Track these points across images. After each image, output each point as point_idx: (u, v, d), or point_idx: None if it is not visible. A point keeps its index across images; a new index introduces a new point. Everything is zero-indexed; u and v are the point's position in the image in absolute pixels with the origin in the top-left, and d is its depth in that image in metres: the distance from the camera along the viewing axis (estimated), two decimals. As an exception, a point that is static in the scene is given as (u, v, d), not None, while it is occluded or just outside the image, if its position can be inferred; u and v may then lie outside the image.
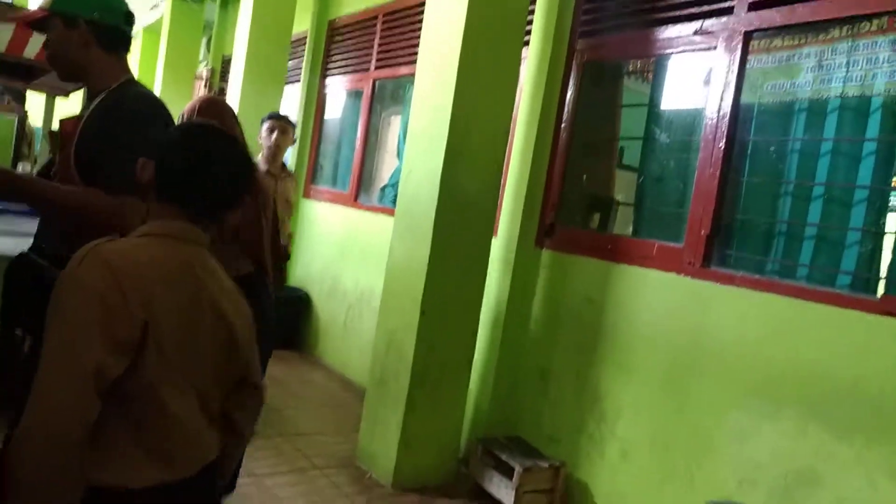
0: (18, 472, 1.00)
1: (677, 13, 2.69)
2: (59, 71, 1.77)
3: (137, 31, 8.27)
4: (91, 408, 1.02)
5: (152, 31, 8.09)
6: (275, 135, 3.36)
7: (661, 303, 2.60)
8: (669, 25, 2.72)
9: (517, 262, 3.14)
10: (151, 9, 7.57)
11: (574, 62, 3.11)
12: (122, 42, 1.76)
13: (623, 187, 3.17)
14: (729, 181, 2.48)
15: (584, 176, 3.13)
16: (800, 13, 2.29)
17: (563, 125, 3.12)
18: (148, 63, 7.89)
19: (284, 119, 3.44)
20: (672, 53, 2.76)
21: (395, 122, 4.58)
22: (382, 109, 4.69)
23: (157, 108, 1.69)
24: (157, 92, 7.06)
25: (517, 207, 3.16)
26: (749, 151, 2.50)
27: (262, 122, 3.44)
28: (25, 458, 0.99)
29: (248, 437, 1.43)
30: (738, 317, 2.33)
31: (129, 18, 1.78)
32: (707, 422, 2.38)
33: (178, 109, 7.41)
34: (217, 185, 1.20)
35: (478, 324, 2.94)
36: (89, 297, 1.03)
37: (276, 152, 3.44)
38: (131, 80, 1.75)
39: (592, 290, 2.86)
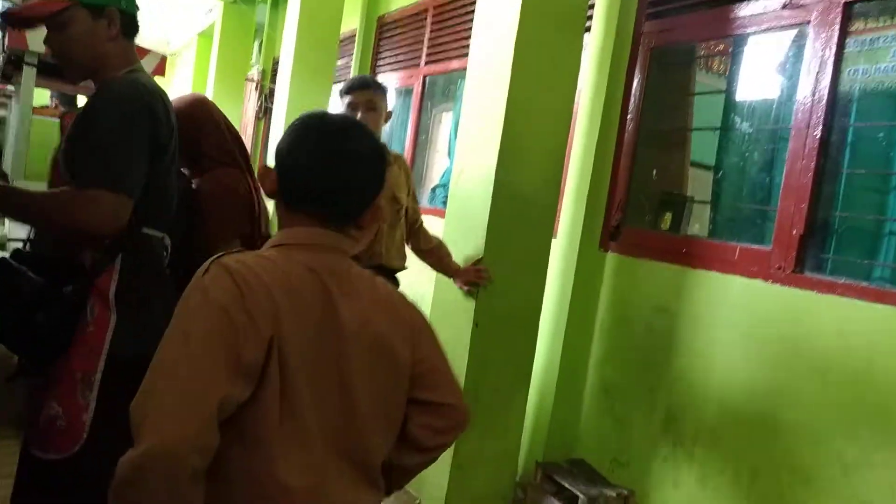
0: None
1: (761, -14, 2.38)
2: (76, 70, 1.56)
3: (192, 36, 8.32)
4: (213, 439, 0.89)
5: (206, 35, 8.12)
6: (359, 114, 2.39)
7: (745, 313, 2.29)
8: (751, 1, 2.42)
9: (579, 266, 2.87)
10: (206, 13, 7.57)
11: (640, 47, 2.83)
12: (137, 27, 1.59)
13: (698, 183, 2.86)
14: (826, 174, 2.16)
15: (654, 171, 2.85)
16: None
17: (629, 116, 2.85)
18: (201, 67, 7.92)
19: (370, 87, 2.43)
20: (754, 32, 2.46)
21: (447, 120, 4.37)
22: (433, 106, 4.49)
23: (145, 94, 1.48)
24: (209, 95, 7.05)
25: (579, 207, 2.90)
26: (849, 140, 2.18)
27: (341, 96, 2.48)
28: (140, 494, 0.86)
29: (435, 455, 1.19)
30: (840, 330, 2.01)
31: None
32: (805, 449, 2.07)
33: (232, 112, 7.38)
34: (343, 184, 1.06)
35: (536, 336, 2.69)
36: (215, 311, 0.93)
37: None
38: (138, 68, 1.57)
39: (665, 298, 2.58)
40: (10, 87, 3.81)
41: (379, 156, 1.11)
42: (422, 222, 2.68)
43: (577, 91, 2.73)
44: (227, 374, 0.90)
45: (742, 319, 2.30)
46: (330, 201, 1.06)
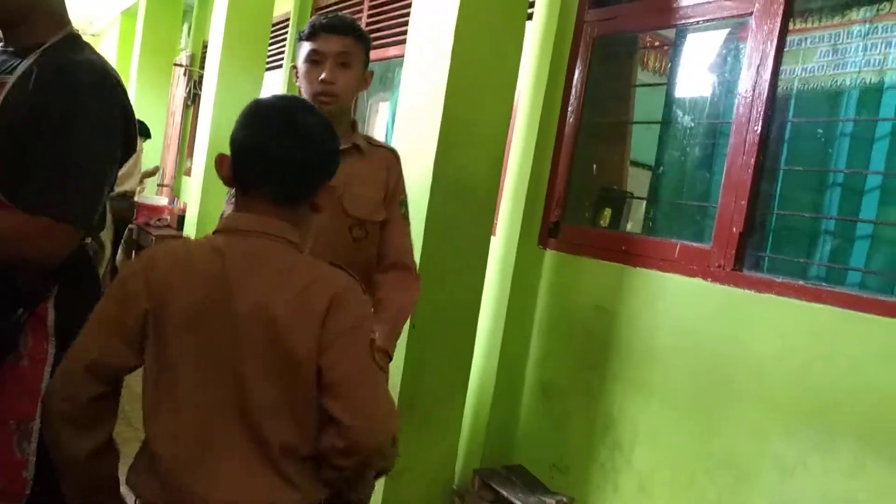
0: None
1: (704, -24, 2.32)
2: (3, 13, 1.25)
3: (115, 14, 7.88)
4: (77, 386, 1.03)
5: (130, 14, 7.68)
6: (324, 72, 1.64)
7: (684, 312, 2.24)
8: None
9: (518, 263, 2.78)
10: (129, -8, 7.17)
11: (583, 37, 2.75)
12: None
13: (638, 179, 2.81)
14: (766, 171, 2.12)
15: (594, 166, 2.78)
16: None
17: (570, 108, 2.76)
18: (125, 50, 7.49)
19: (346, 31, 1.67)
20: (697, 23, 2.41)
21: (384, 109, 4.22)
22: (370, 95, 4.32)
23: (118, 90, 1.25)
24: (132, 79, 6.68)
25: (518, 202, 2.81)
26: (787, 136, 2.15)
27: (299, 42, 1.73)
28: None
29: (349, 475, 1.06)
30: (779, 330, 1.98)
31: None
32: (742, 452, 2.03)
33: (157, 98, 7.04)
34: (294, 159, 1.07)
35: (475, 336, 2.59)
36: (116, 284, 1.07)
37: (324, 102, 1.66)
38: (75, 34, 1.30)
39: (604, 297, 2.51)
40: None
41: (330, 131, 1.12)
42: (406, 266, 1.84)
43: (518, 81, 2.63)
44: (103, 338, 1.04)
45: (681, 319, 2.25)
46: (281, 179, 1.07)
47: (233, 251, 1.05)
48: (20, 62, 1.21)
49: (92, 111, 1.18)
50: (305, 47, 1.69)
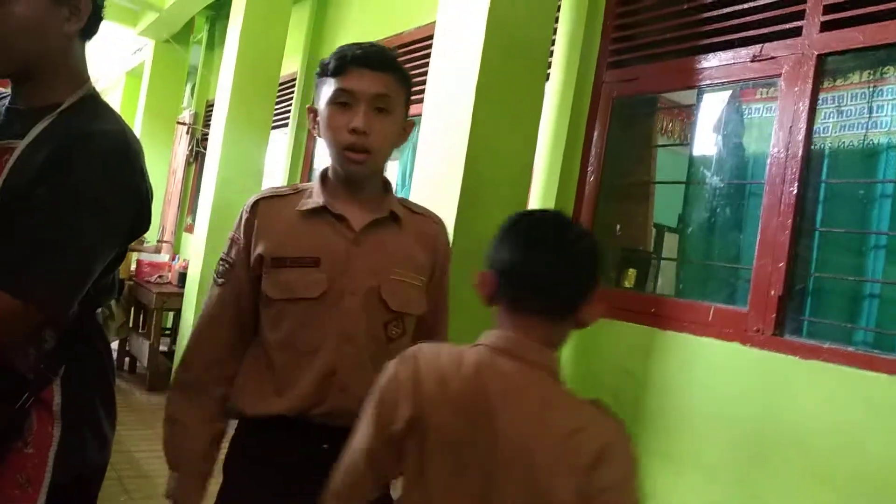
0: None
1: (729, 37, 2.31)
2: (5, 62, 1.13)
3: (120, 74, 7.94)
4: (359, 481, 1.06)
5: (134, 75, 7.75)
6: (356, 117, 1.28)
7: (721, 378, 2.14)
8: (719, 52, 2.34)
9: (539, 326, 2.68)
10: (134, 53, 7.23)
11: (601, 97, 2.73)
12: (97, 28, 1.23)
13: (663, 240, 2.74)
14: (802, 232, 2.06)
15: (617, 227, 2.71)
16: (889, 31, 1.91)
17: (590, 169, 2.72)
18: (129, 107, 7.53)
19: (386, 67, 1.31)
20: (721, 84, 2.38)
21: (392, 168, 4.18)
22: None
23: (138, 168, 1.15)
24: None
25: (538, 263, 2.72)
26: (822, 197, 2.09)
27: (321, 77, 1.34)
28: None
29: None
30: (828, 398, 1.87)
31: None
32: (792, 532, 1.90)
33: (160, 155, 7.04)
34: (556, 286, 1.05)
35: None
36: (384, 382, 1.07)
37: (355, 160, 1.32)
38: (94, 95, 1.19)
39: (631, 361, 2.40)
40: None
41: (592, 240, 1.12)
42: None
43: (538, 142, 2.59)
44: (374, 437, 1.04)
45: (717, 385, 2.14)
46: (551, 298, 1.06)
47: (495, 372, 1.01)
48: (32, 125, 1.10)
49: (95, 189, 1.07)
50: (331, 85, 1.29)
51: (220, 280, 1.33)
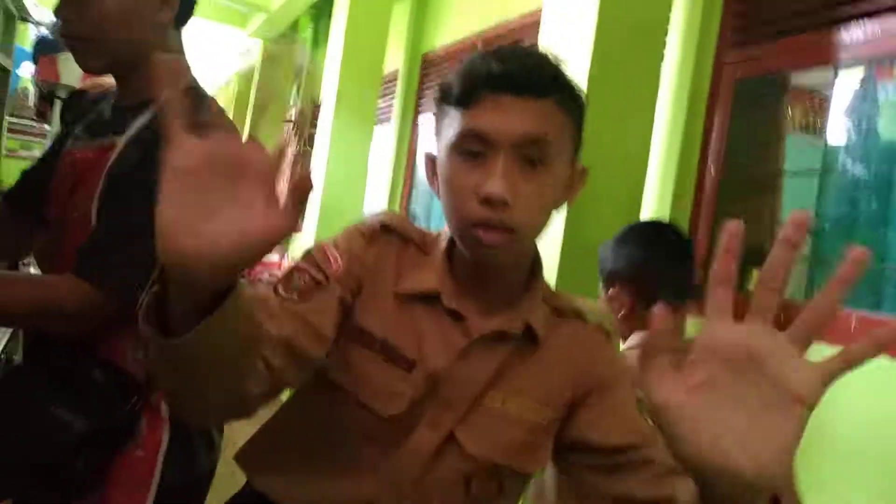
0: None
1: (870, 5, 2.04)
2: (99, 56, 1.11)
3: (230, 76, 8.29)
4: None
5: (244, 75, 8.07)
6: (493, 178, 0.78)
7: (867, 400, 1.90)
8: (860, 23, 2.08)
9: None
10: (243, 54, 7.52)
11: (722, 80, 2.50)
12: (190, 14, 1.18)
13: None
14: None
15: (742, 222, 2.49)
16: None
17: (709, 159, 2.51)
18: (240, 109, 7.85)
19: (529, 84, 0.79)
20: (861, 60, 2.11)
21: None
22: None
23: None
24: (244, 137, 6.93)
25: (653, 261, 2.55)
26: None
27: (440, 105, 0.85)
28: None
29: None
30: None
31: None
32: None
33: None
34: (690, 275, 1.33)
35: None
36: None
37: (490, 244, 0.81)
38: (194, 87, 1.15)
39: (760, 371, 2.19)
40: (48, 127, 3.58)
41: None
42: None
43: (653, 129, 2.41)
44: None
45: (863, 407, 1.90)
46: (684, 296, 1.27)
47: None
48: (133, 121, 1.09)
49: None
50: (454, 121, 0.81)
51: (289, 294, 0.81)
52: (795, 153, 2.54)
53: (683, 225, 2.53)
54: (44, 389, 1.06)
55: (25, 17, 1.84)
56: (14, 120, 3.99)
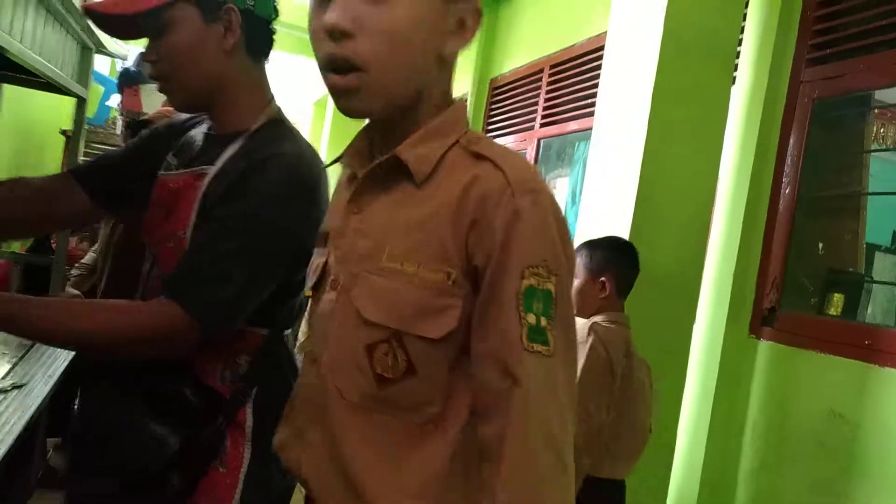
0: None
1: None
2: (181, 96, 1.15)
3: (308, 105, 8.56)
4: None
5: (320, 104, 8.31)
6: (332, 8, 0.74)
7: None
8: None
9: (725, 355, 2.41)
10: (319, 84, 7.75)
11: (799, 100, 2.41)
12: (270, 47, 1.19)
13: (877, 260, 2.36)
14: None
15: (819, 245, 2.38)
16: None
17: (785, 180, 2.41)
18: (315, 135, 8.08)
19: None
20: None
21: (562, 186, 4.05)
22: (547, 171, 4.19)
23: (299, 189, 1.08)
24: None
25: (724, 284, 2.46)
26: None
27: None
28: None
29: None
30: None
31: (276, 9, 1.18)
32: None
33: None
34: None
35: (675, 440, 2.24)
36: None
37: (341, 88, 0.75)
38: (278, 119, 1.16)
39: (842, 402, 2.06)
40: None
41: None
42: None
43: (723, 150, 2.34)
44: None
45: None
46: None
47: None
48: (223, 151, 1.12)
49: (260, 216, 1.06)
50: None
51: None
52: (879, 174, 2.42)
53: (757, 245, 2.43)
54: (141, 407, 1.08)
55: (101, 50, 1.96)
56: (105, 147, 4.25)
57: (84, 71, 1.92)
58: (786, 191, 2.40)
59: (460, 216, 0.73)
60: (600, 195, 2.32)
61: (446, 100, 0.82)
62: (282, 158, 1.08)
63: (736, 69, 2.47)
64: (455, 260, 0.73)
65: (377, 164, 0.79)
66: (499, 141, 4.66)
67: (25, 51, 1.38)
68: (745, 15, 2.46)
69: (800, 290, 2.38)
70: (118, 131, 3.65)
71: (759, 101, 2.46)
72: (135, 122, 3.12)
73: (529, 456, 0.69)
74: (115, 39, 2.18)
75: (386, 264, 0.76)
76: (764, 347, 2.37)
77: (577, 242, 2.38)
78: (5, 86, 2.18)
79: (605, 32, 2.49)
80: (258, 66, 1.18)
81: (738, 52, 2.44)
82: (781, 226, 2.39)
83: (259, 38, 1.15)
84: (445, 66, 0.80)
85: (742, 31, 2.46)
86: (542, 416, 0.70)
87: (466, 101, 5.07)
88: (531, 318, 0.69)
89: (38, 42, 1.46)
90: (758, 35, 2.50)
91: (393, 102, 0.77)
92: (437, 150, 0.77)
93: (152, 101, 3.10)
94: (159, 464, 1.05)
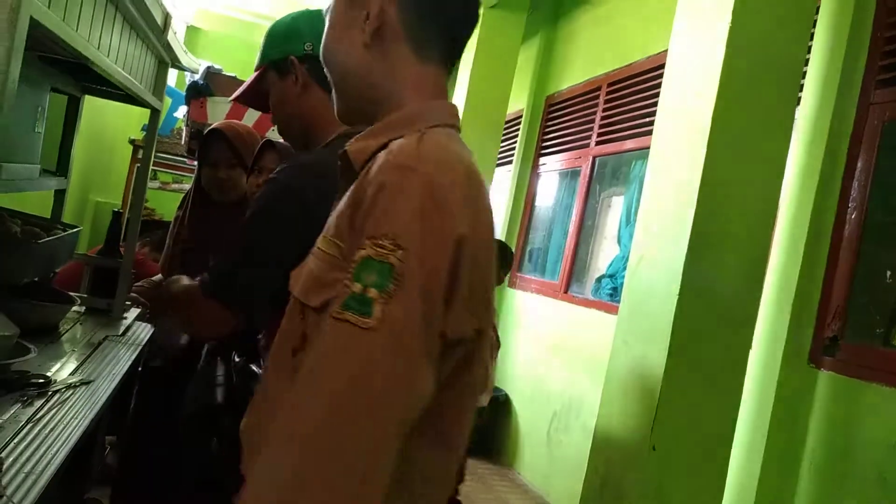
0: None
1: None
2: (288, 139, 1.44)
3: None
4: None
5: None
6: None
7: None
8: None
9: (782, 384, 2.34)
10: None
11: (868, 122, 2.34)
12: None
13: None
14: None
15: (887, 273, 2.29)
16: None
17: (850, 205, 2.33)
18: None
19: None
20: None
21: (616, 204, 4.01)
22: (601, 190, 4.15)
23: (307, 190, 1.18)
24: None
25: (782, 312, 2.39)
26: None
27: None
28: None
29: None
30: None
31: None
32: None
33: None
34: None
35: (727, 468, 2.18)
36: None
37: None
38: (343, 134, 1.24)
39: (906, 438, 1.98)
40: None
41: None
42: None
43: (785, 174, 2.29)
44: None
45: None
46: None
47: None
48: None
49: (267, 209, 1.21)
50: None
51: None
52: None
53: (819, 272, 2.36)
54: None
55: (176, 65, 2.06)
56: (169, 156, 4.41)
57: (160, 84, 2.02)
58: (852, 216, 2.33)
59: (354, 195, 0.76)
60: (657, 216, 2.29)
61: (409, 100, 0.85)
62: (301, 162, 1.28)
63: (801, 89, 2.42)
64: (345, 235, 0.75)
65: (339, 156, 0.86)
66: (553, 158, 4.65)
67: (112, 66, 1.47)
68: (812, 34, 2.41)
69: (865, 320, 2.29)
70: (182, 141, 3.80)
71: (826, 122, 2.40)
72: (200, 132, 3.26)
73: (276, 449, 0.67)
74: (188, 54, 2.29)
75: (317, 245, 0.81)
76: (825, 378, 2.29)
77: (633, 262, 2.36)
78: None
79: (666, 50, 2.47)
80: (325, 93, 1.31)
81: (804, 72, 2.39)
82: (847, 252, 2.32)
83: (323, 72, 1.24)
84: (382, 60, 0.84)
85: (809, 51, 2.40)
86: (321, 389, 0.67)
87: (456, 105, 5.07)
88: (356, 287, 0.67)
89: (122, 57, 1.55)
90: (825, 55, 2.44)
91: (349, 105, 0.89)
92: (376, 143, 0.81)
93: (217, 112, 3.22)
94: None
